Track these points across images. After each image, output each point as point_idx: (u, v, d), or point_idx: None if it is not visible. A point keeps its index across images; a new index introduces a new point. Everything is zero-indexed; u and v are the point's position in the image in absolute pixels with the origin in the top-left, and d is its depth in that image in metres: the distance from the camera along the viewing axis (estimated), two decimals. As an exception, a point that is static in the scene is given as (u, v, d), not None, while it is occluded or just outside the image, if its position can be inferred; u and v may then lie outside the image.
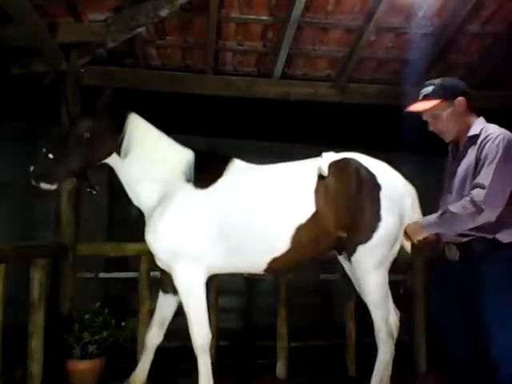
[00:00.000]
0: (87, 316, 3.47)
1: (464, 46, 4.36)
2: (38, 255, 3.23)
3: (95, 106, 2.84)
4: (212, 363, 2.81)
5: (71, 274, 3.79)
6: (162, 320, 3.01)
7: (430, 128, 2.39)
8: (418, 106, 2.37)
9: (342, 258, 2.96)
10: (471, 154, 2.24)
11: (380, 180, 2.76)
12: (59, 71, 3.81)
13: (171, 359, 3.68)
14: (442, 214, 2.24)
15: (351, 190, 2.73)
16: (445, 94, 2.30)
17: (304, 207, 2.74)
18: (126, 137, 2.86)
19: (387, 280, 2.81)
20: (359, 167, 2.79)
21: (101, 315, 3.53)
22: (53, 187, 2.80)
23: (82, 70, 3.91)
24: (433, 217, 2.30)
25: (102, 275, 4.40)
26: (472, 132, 2.27)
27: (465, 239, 2.22)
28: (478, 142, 2.22)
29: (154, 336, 3.01)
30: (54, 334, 3.38)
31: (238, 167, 2.94)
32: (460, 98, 2.30)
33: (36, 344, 3.13)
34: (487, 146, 2.17)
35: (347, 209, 2.72)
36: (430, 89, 2.34)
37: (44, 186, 2.76)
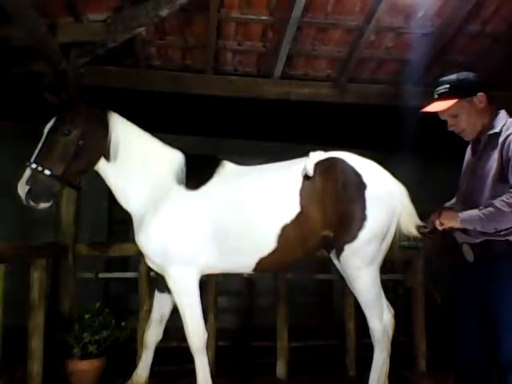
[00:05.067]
0: (87, 316, 3.46)
1: (464, 46, 4.35)
2: (38, 255, 3.23)
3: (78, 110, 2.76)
4: (211, 363, 2.82)
5: (71, 273, 3.80)
6: (160, 318, 3.04)
7: (450, 128, 2.30)
8: (435, 107, 2.25)
9: (333, 257, 2.96)
10: (493, 153, 2.17)
11: (366, 179, 2.76)
12: (59, 71, 3.81)
13: (171, 359, 3.68)
14: (485, 208, 2.12)
15: (337, 189, 2.74)
16: (463, 92, 2.21)
17: (289, 207, 2.75)
18: (113, 139, 2.81)
19: (379, 278, 2.80)
20: (345, 166, 2.79)
21: (101, 315, 3.53)
22: (50, 204, 2.72)
23: (82, 70, 3.91)
24: (474, 212, 2.16)
25: (102, 275, 4.39)
26: (492, 130, 2.20)
27: (478, 240, 2.20)
28: (500, 140, 2.16)
29: (153, 334, 3.03)
30: (54, 334, 3.38)
31: (227, 168, 2.95)
32: (480, 94, 2.21)
33: (36, 344, 3.12)
34: None
35: (333, 208, 2.73)
36: (446, 87, 2.23)
37: (43, 205, 2.68)
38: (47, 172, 2.64)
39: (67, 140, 2.71)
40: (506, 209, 2.05)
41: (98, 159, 2.83)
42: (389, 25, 4.04)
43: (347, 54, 4.32)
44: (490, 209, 2.10)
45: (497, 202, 2.09)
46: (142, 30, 3.73)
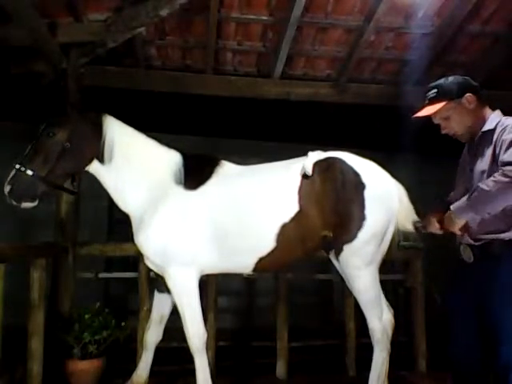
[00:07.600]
0: (87, 316, 3.46)
1: (464, 46, 4.36)
2: (38, 255, 3.22)
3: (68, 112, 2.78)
4: (211, 364, 2.81)
5: (71, 273, 3.79)
6: (160, 318, 3.04)
7: (443, 131, 2.33)
8: (425, 111, 2.31)
9: (332, 258, 2.96)
10: (487, 150, 2.19)
11: (364, 179, 2.76)
12: (59, 71, 3.82)
13: (171, 359, 3.68)
14: (471, 194, 2.11)
15: (335, 189, 2.74)
16: (450, 94, 2.26)
17: (288, 207, 2.75)
18: (107, 141, 2.81)
19: (378, 278, 2.81)
20: (344, 166, 2.80)
21: (101, 315, 3.53)
22: (34, 204, 2.73)
23: (82, 70, 3.92)
24: (463, 200, 2.15)
25: (102, 275, 4.39)
26: (487, 127, 2.22)
27: (479, 242, 2.20)
28: (495, 136, 2.17)
29: (153, 335, 3.04)
30: (54, 334, 3.38)
31: (225, 168, 2.95)
32: (467, 95, 2.25)
33: (36, 344, 3.12)
34: (505, 134, 2.11)
35: (332, 208, 2.73)
36: (434, 91, 2.30)
37: (25, 204, 2.70)
38: (29, 172, 2.66)
39: (52, 142, 2.73)
40: (489, 188, 2.03)
41: (88, 161, 2.84)
42: (389, 25, 4.05)
43: (347, 54, 4.32)
44: (475, 193, 2.09)
45: (482, 184, 2.07)
46: (142, 30, 3.73)
